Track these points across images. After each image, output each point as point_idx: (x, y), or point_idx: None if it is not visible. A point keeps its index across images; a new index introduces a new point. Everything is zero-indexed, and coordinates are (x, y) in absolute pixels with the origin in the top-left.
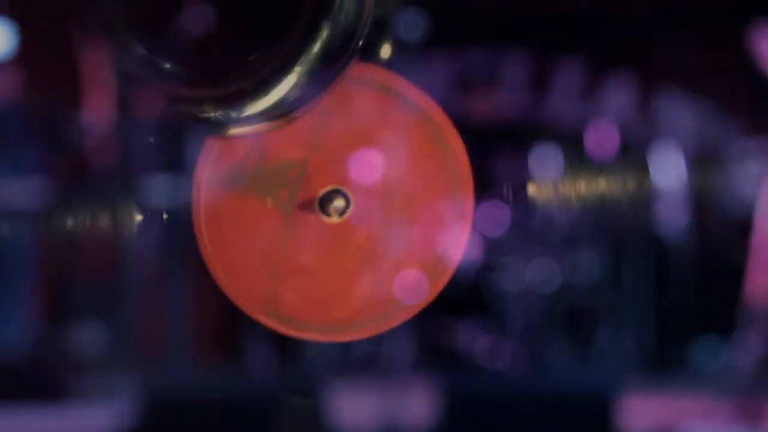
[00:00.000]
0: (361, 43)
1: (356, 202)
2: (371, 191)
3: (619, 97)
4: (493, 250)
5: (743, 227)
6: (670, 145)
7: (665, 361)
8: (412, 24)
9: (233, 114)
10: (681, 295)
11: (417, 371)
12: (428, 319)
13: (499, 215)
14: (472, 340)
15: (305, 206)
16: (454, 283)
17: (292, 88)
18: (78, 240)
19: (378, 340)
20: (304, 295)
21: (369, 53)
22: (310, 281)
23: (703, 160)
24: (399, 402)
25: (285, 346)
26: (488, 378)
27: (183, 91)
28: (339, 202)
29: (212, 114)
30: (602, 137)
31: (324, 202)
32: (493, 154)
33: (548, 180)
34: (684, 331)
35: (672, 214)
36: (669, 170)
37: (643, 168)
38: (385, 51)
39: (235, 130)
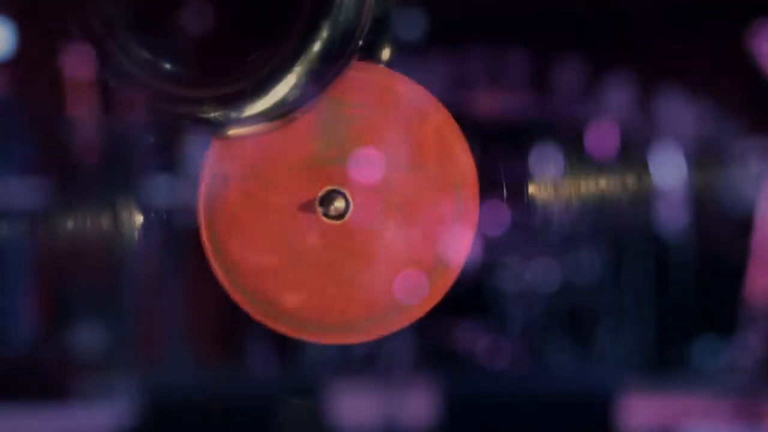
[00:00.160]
0: (361, 42)
1: (356, 202)
2: (371, 191)
3: (619, 96)
4: (493, 250)
5: (743, 227)
6: (670, 145)
7: (665, 361)
8: (412, 23)
9: (233, 114)
10: (681, 295)
11: (417, 371)
12: (428, 319)
13: (499, 215)
14: (472, 340)
15: (305, 206)
16: (455, 282)
17: (292, 88)
18: (78, 240)
19: (378, 340)
20: (304, 295)
21: (369, 53)
22: (311, 282)
23: (703, 160)
24: (399, 402)
25: (285, 346)
26: (488, 378)
27: (183, 91)
28: (339, 203)
29: (212, 114)
30: (602, 137)
31: (324, 202)
32: (493, 153)
33: (548, 180)
34: (684, 331)
35: (672, 214)
36: (669, 170)
37: (643, 168)
38: (385, 50)
39: (235, 130)
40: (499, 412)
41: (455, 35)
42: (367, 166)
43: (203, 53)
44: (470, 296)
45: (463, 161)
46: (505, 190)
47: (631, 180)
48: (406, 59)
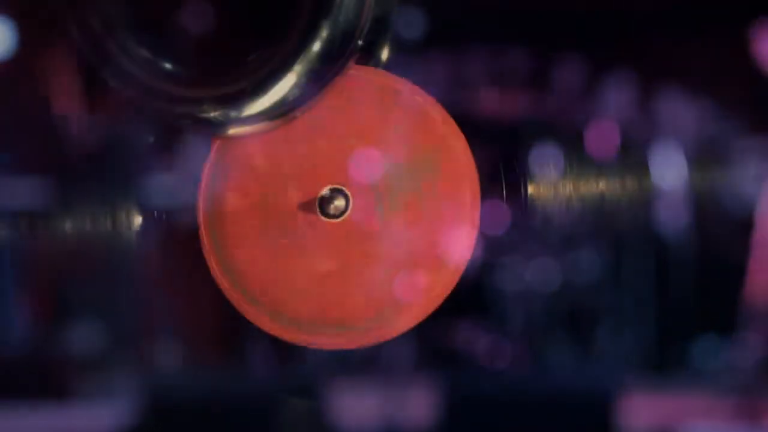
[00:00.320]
0: (361, 42)
1: (356, 202)
2: (371, 191)
3: (619, 96)
4: (493, 250)
5: (744, 227)
6: (670, 145)
7: (665, 361)
8: (412, 23)
9: (233, 114)
10: (681, 295)
11: (417, 371)
12: (428, 319)
13: (499, 215)
14: (473, 340)
15: (305, 206)
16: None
17: (292, 88)
18: (77, 240)
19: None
20: (304, 295)
21: (369, 52)
22: (311, 282)
23: (704, 160)
24: (399, 402)
25: (285, 346)
26: (488, 378)
27: (183, 91)
28: (339, 202)
29: (212, 114)
30: (602, 137)
31: (324, 202)
32: (493, 153)
33: (548, 180)
34: (684, 331)
35: (672, 214)
36: (669, 170)
37: (643, 168)
38: (385, 50)
39: (235, 130)
40: (499, 412)
41: (455, 35)
42: (367, 165)
43: (203, 53)
44: (470, 296)
45: (464, 161)
46: (505, 190)
47: (631, 180)
48: (406, 59)
